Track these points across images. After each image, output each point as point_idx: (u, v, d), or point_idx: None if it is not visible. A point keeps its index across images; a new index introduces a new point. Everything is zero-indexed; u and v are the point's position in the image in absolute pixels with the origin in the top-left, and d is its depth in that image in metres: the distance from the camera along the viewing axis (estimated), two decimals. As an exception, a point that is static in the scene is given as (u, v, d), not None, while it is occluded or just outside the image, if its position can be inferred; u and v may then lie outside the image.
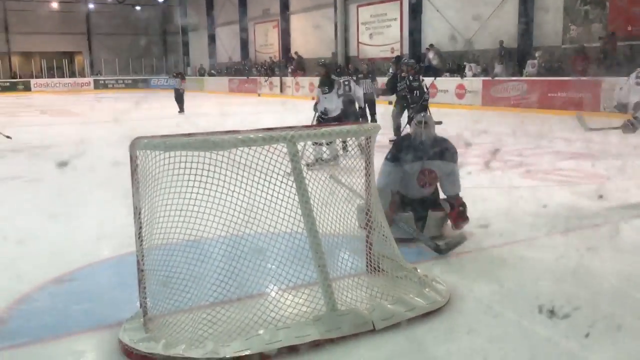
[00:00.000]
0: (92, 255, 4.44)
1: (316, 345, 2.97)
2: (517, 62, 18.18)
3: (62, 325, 3.32)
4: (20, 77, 36.95)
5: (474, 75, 18.94)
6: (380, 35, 24.39)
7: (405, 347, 3.03)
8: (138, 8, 40.64)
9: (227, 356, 2.81)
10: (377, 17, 24.52)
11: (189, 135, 3.25)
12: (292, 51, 29.71)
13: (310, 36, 28.83)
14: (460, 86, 18.48)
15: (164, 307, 3.19)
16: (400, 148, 4.64)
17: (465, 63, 19.65)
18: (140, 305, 3.22)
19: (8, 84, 34.77)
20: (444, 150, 4.68)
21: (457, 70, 19.69)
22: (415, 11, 22.25)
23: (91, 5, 40.45)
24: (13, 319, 3.42)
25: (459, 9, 20.57)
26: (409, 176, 4.66)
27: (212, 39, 37.75)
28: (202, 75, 36.44)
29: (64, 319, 3.40)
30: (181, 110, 18.23)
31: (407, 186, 4.70)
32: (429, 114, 9.23)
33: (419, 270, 3.71)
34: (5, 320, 3.40)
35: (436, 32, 21.55)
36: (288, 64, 29.04)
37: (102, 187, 7.06)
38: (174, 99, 18.55)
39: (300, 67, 28.13)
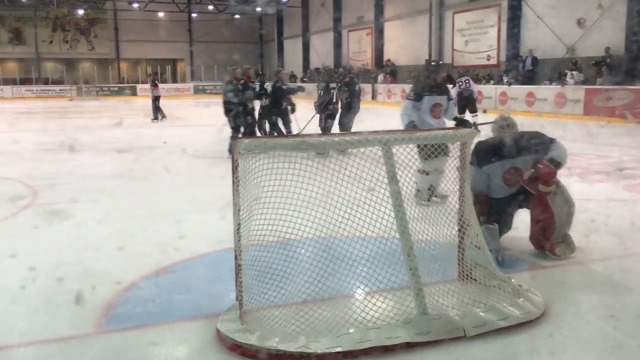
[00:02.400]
0: (192, 249, 4.69)
1: (406, 347, 2.99)
2: (624, 70, 17.22)
3: (164, 313, 3.54)
4: (127, 82, 39.34)
5: (576, 83, 18.12)
6: (477, 42, 23.88)
7: (497, 357, 2.99)
8: (237, 17, 42.18)
9: (318, 352, 2.89)
10: (473, 23, 24.03)
11: (288, 137, 3.37)
12: (385, 58, 29.70)
13: (404, 43, 28.69)
14: (561, 95, 17.73)
15: (259, 301, 3.33)
16: (480, 152, 4.51)
17: (566, 71, 18.85)
18: (237, 298, 3.36)
19: (117, 88, 37.08)
20: (532, 146, 4.43)
21: (558, 78, 18.93)
22: (515, 17, 21.60)
23: (194, 15, 42.45)
24: (121, 304, 3.68)
25: (561, 15, 19.77)
26: (493, 177, 4.53)
27: (306, 46, 38.50)
28: (294, 81, 37.24)
29: (166, 308, 3.62)
30: (155, 117, 17.87)
31: (493, 189, 4.55)
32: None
33: (513, 280, 3.63)
34: (115, 305, 3.66)
35: (536, 38, 20.82)
36: (379, 70, 29.08)
37: (200, 186, 7.41)
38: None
39: (393, 74, 28.07)
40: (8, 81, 36.35)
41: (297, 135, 3.41)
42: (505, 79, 20.58)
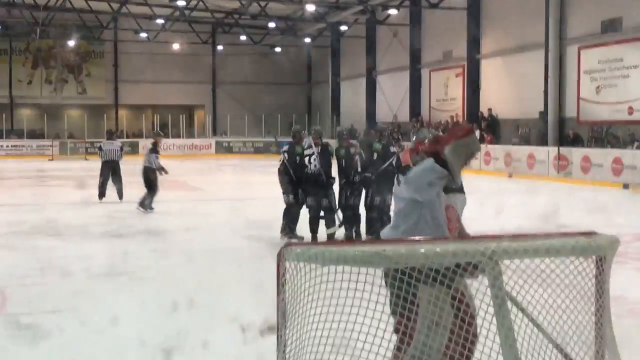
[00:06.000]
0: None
1: None
2: None
3: None
4: (127, 137, 40.50)
5: None
6: (613, 89, 23.78)
7: None
8: (277, 50, 43.24)
9: None
10: (608, 63, 24.00)
11: (353, 244, 3.44)
12: (483, 107, 29.79)
13: (509, 88, 28.75)
14: None
15: None
16: None
17: None
18: None
19: (112, 144, 38.33)
20: None
21: None
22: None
23: (220, 47, 43.76)
24: None
25: None
26: None
27: (371, 90, 39.19)
28: (354, 137, 37.45)
29: None
30: None
31: None
32: None
33: None
34: None
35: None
36: (475, 125, 29.20)
37: (228, 293, 7.50)
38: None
39: (492, 129, 28.08)
40: (-31, 134, 37.88)
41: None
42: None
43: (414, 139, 5.04)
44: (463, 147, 4.64)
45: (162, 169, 14.72)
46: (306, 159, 10.90)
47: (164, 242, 11.16)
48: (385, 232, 4.93)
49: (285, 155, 11.14)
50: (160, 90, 43.03)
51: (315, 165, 10.80)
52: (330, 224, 10.70)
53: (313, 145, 10.96)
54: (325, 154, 10.97)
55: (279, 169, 11.22)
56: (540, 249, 3.44)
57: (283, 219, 10.95)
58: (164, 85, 43.03)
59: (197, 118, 44.71)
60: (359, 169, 10.87)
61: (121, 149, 16.70)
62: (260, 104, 42.05)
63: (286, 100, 43.77)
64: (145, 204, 14.46)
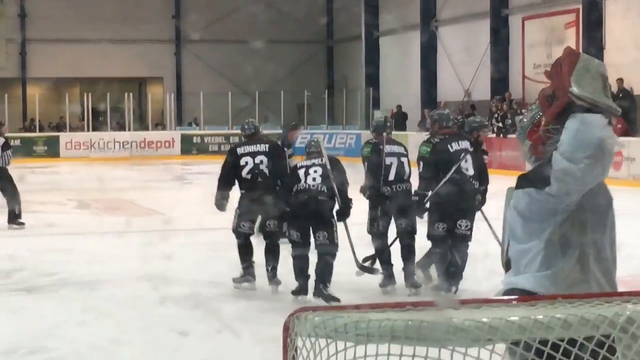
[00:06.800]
0: None
1: None
2: None
3: None
4: (41, 129, 40.45)
5: None
6: None
7: None
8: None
9: None
10: None
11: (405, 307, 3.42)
12: (610, 78, 29.74)
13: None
14: None
15: None
16: None
17: None
18: None
19: (18, 140, 37.55)
20: None
21: None
22: None
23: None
24: None
25: None
26: None
27: (429, 51, 39.23)
28: (402, 127, 36.52)
29: None
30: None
31: None
32: None
33: None
34: None
35: None
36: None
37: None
38: None
39: (624, 113, 27.90)
40: None
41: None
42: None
43: (522, 129, 4.78)
44: (586, 72, 4.57)
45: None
46: (301, 170, 11.11)
47: (104, 299, 11.17)
48: (522, 278, 4.43)
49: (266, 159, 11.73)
50: (93, 54, 43.21)
51: (314, 179, 10.94)
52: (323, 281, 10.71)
53: (324, 153, 11.13)
54: (339, 168, 11.09)
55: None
56: None
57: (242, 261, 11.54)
58: (99, 47, 43.08)
59: (151, 98, 44.42)
60: (391, 178, 11.11)
61: (6, 145, 16.84)
62: (253, 76, 41.56)
63: (294, 69, 43.67)
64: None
